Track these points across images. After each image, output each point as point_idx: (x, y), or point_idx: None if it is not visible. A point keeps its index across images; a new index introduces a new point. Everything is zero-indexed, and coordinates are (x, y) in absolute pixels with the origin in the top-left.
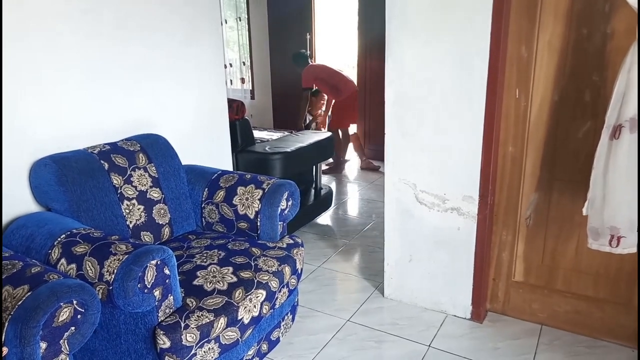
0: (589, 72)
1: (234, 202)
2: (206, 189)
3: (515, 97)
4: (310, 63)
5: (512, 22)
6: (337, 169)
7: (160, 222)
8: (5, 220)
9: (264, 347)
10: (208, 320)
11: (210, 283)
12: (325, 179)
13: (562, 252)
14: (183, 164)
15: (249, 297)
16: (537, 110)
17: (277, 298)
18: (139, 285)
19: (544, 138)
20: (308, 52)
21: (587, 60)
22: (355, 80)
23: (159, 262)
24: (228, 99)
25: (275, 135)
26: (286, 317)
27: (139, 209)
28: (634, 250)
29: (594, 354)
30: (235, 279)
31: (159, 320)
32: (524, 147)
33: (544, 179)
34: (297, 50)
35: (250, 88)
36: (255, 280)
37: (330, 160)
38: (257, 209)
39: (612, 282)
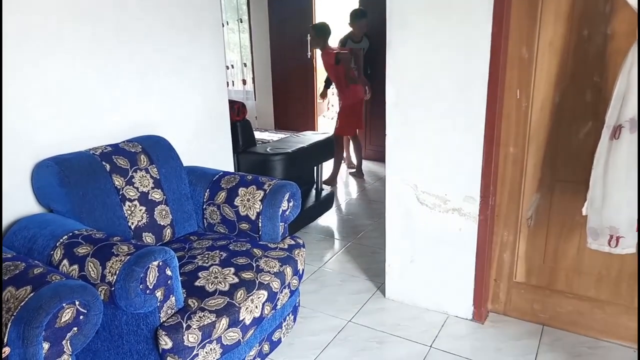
0: (590, 73)
1: (235, 203)
2: (207, 190)
3: (516, 97)
4: (328, 47)
5: (513, 23)
6: (358, 174)
7: (162, 223)
8: (7, 221)
9: (266, 347)
10: (210, 321)
11: (211, 284)
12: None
13: (563, 252)
14: (184, 165)
15: (251, 297)
16: (538, 110)
17: (278, 299)
18: (140, 286)
19: (545, 139)
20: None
21: (588, 61)
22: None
23: (160, 263)
24: (229, 100)
25: (276, 136)
26: (287, 318)
27: (140, 210)
28: (633, 250)
29: (595, 354)
30: (236, 280)
31: (161, 321)
32: (525, 147)
33: (545, 179)
34: (320, 23)
35: (252, 89)
36: (257, 281)
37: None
38: (258, 210)
39: (613, 282)
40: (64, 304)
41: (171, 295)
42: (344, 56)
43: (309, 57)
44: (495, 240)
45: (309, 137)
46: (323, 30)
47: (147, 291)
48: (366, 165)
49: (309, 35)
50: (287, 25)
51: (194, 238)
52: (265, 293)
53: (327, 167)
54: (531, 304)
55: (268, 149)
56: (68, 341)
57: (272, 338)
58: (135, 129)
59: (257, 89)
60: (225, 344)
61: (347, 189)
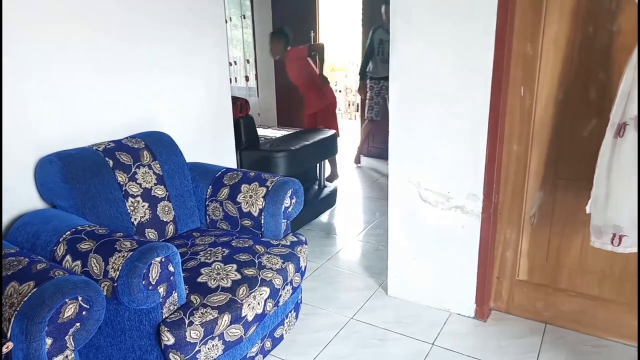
0: (595, 70)
1: (237, 199)
2: (210, 186)
3: (520, 94)
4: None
5: (518, 19)
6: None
7: (165, 220)
8: (11, 216)
9: (268, 344)
10: (212, 317)
11: (214, 280)
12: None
13: (566, 250)
14: (187, 161)
15: (253, 294)
16: (542, 108)
17: (280, 295)
18: (143, 282)
19: (549, 136)
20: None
21: (592, 58)
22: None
23: (163, 259)
24: (232, 96)
25: (279, 133)
26: (290, 315)
27: (143, 206)
28: (635, 249)
29: (598, 353)
30: (239, 276)
31: (163, 316)
32: (528, 145)
33: (548, 177)
34: (278, 27)
35: (255, 86)
36: (259, 278)
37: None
38: (261, 207)
39: (617, 281)
40: (66, 300)
41: (174, 291)
42: (317, 46)
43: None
44: (498, 238)
45: (312, 134)
46: (283, 33)
47: (150, 287)
48: (369, 162)
49: (269, 43)
50: (291, 22)
51: (196, 234)
52: (268, 290)
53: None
54: (534, 302)
55: (271, 146)
56: (71, 337)
57: (274, 335)
58: (138, 125)
59: (260, 85)
60: (227, 340)
61: (349, 186)
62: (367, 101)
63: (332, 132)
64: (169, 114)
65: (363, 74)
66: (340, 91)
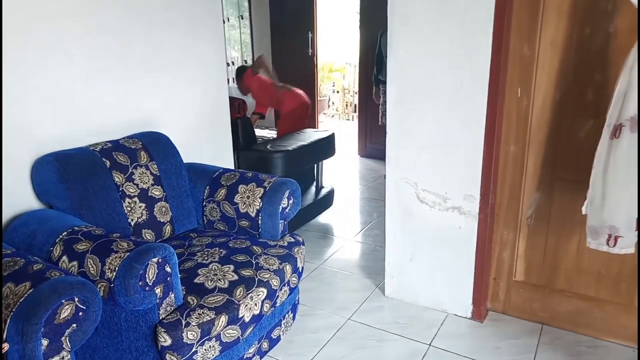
0: (592, 71)
1: (235, 200)
2: (207, 187)
3: (517, 95)
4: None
5: (515, 20)
6: None
7: (162, 220)
8: (7, 217)
9: (265, 345)
10: (209, 318)
11: (211, 281)
12: (326, 178)
13: (563, 251)
14: (184, 162)
15: (250, 295)
16: (539, 109)
17: (277, 296)
18: (140, 283)
19: (545, 137)
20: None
21: (589, 59)
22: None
23: (160, 260)
24: (230, 97)
25: (277, 133)
26: (287, 316)
27: (140, 207)
28: (632, 250)
29: (595, 353)
30: (236, 277)
31: (160, 317)
32: (525, 146)
33: (545, 178)
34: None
35: None
36: (256, 279)
37: None
38: (258, 207)
39: (613, 282)
40: (63, 300)
41: (170, 292)
42: (256, 62)
43: (309, 54)
44: (495, 239)
45: (309, 135)
46: (242, 68)
47: (147, 288)
48: (367, 163)
49: (237, 86)
50: (288, 22)
51: (193, 235)
52: (265, 290)
53: (328, 165)
54: (530, 302)
55: (268, 147)
56: (67, 337)
57: (272, 335)
58: (135, 125)
59: None
60: (224, 341)
61: (347, 187)
62: (380, 106)
63: (331, 132)
64: (166, 114)
65: (376, 80)
66: (337, 92)
